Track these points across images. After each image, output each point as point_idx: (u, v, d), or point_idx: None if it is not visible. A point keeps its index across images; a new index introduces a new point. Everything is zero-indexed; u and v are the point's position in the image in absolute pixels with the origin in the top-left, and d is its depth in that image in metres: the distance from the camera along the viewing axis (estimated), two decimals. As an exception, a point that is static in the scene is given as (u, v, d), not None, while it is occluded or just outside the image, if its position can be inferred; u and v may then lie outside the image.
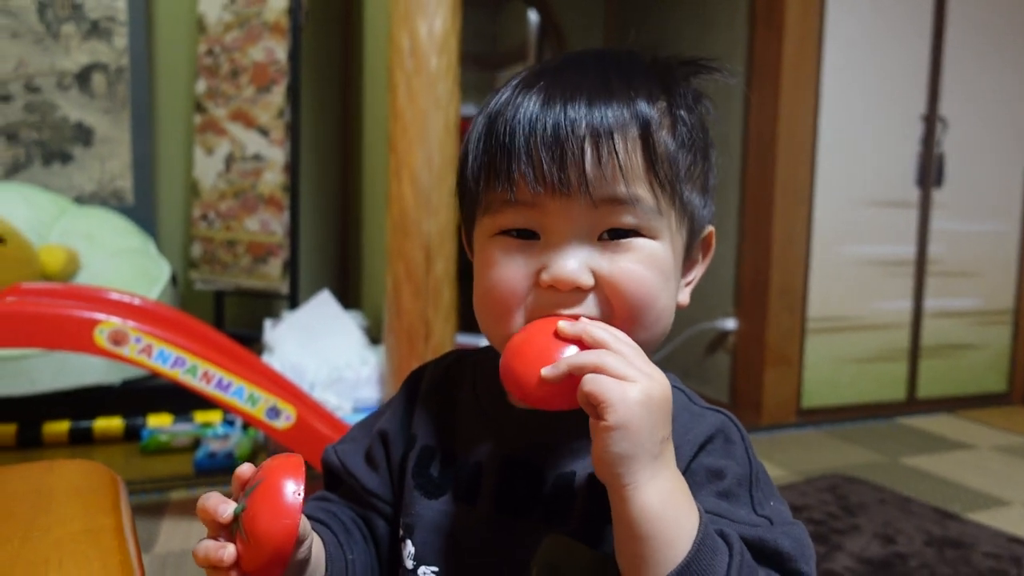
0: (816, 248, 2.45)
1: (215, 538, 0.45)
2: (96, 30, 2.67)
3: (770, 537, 0.47)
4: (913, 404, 2.63)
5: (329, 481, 0.62)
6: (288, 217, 2.50)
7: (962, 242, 2.66)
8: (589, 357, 0.44)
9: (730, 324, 2.53)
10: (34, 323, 1.19)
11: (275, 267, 2.53)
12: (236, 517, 0.44)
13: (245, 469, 0.46)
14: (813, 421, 2.47)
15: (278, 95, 2.48)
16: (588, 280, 0.49)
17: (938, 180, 2.60)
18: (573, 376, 0.44)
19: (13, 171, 2.62)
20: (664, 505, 0.42)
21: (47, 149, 2.66)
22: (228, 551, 0.43)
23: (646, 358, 0.46)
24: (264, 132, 2.51)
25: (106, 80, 2.70)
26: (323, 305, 2.28)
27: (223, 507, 0.45)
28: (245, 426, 1.97)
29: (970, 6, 2.55)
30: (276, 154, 2.50)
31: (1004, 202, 2.71)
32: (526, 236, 0.51)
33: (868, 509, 1.70)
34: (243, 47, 2.53)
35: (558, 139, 0.48)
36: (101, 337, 1.21)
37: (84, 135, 2.69)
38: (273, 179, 2.51)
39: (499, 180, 0.50)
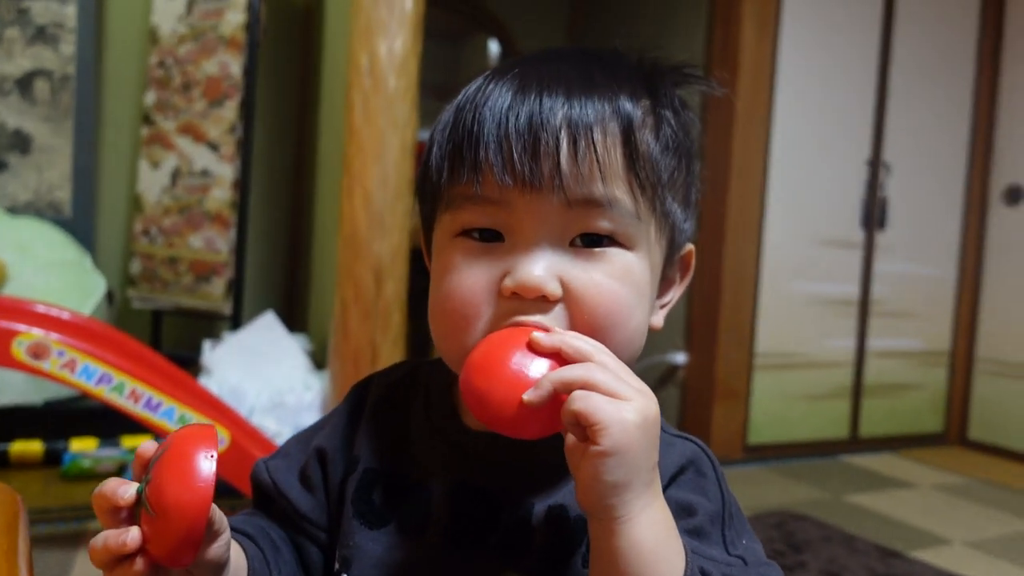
0: (765, 284, 2.49)
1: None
2: (42, 35, 2.58)
3: None
4: (856, 442, 2.67)
5: (258, 500, 0.56)
6: (235, 235, 2.43)
7: (904, 284, 2.74)
8: (576, 372, 0.39)
9: (680, 358, 2.54)
10: (-56, 331, 1.11)
11: (218, 287, 2.44)
12: (139, 496, 0.38)
13: (148, 446, 0.40)
14: (759, 457, 2.48)
15: (231, 110, 2.43)
16: (556, 289, 0.44)
17: (881, 223, 2.68)
18: (555, 398, 0.39)
19: (-59, 176, 2.48)
20: (656, 540, 0.38)
21: (-20, 155, 2.53)
22: (132, 534, 0.37)
23: (632, 373, 0.41)
24: (214, 147, 2.45)
25: (49, 87, 2.60)
26: (267, 327, 2.20)
27: (123, 488, 0.39)
28: (177, 451, 1.87)
29: (913, 56, 2.66)
30: (225, 170, 2.43)
31: (943, 247, 2.81)
32: (489, 239, 0.46)
33: (814, 546, 1.69)
34: (197, 60, 2.47)
35: (531, 128, 0.43)
36: (19, 350, 1.13)
37: (21, 143, 2.58)
38: (221, 196, 2.44)
39: (464, 171, 0.45)
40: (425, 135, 2.45)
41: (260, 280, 2.81)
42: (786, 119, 2.47)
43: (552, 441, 0.48)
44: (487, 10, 3.93)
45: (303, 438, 0.57)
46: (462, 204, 0.46)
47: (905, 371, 2.77)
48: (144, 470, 0.39)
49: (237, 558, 0.46)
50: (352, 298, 1.87)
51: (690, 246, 0.54)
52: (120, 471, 1.80)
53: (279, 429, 1.90)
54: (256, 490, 0.56)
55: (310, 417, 1.96)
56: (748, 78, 2.41)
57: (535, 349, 0.41)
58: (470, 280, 0.45)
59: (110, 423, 1.94)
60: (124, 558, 0.38)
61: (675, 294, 0.55)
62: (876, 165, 2.65)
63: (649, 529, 0.38)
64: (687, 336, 2.54)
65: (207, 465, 0.36)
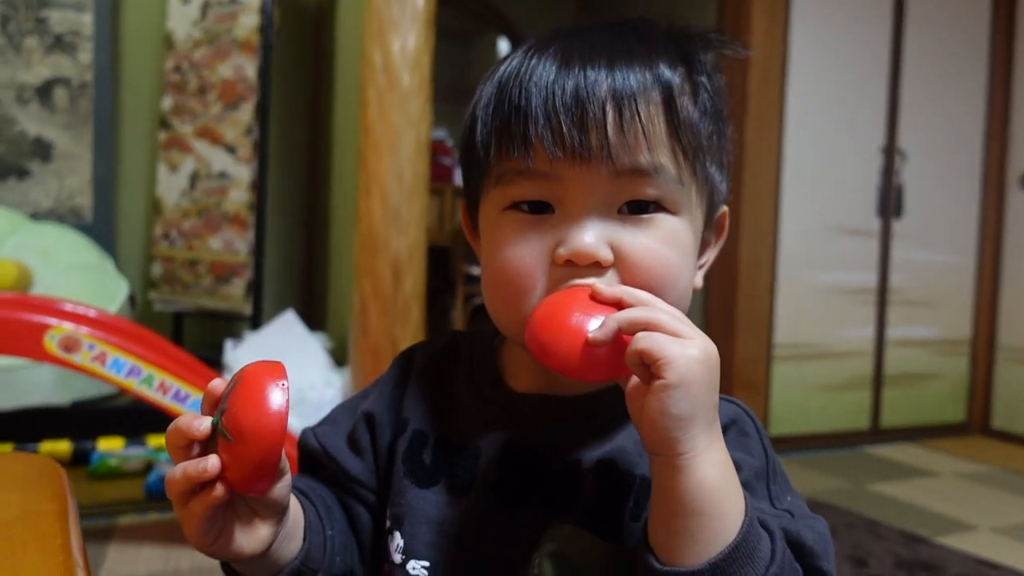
0: (782, 274, 2.48)
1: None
2: (60, 44, 2.62)
3: (793, 528, 0.44)
4: (877, 433, 2.65)
5: (306, 466, 0.56)
6: (253, 236, 2.45)
7: (921, 272, 2.72)
8: (640, 313, 0.40)
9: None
10: (-21, 326, 1.13)
11: (238, 287, 2.47)
12: (214, 428, 0.39)
13: (217, 383, 0.41)
14: (780, 449, 2.47)
15: (246, 112, 2.45)
16: (607, 255, 0.45)
17: (898, 211, 2.66)
18: (618, 341, 0.40)
19: (-35, 184, 2.53)
20: (720, 478, 0.39)
21: (3, 163, 2.58)
22: (211, 460, 0.39)
23: (690, 321, 0.42)
24: (231, 149, 2.48)
25: (68, 95, 2.64)
26: (287, 326, 2.22)
27: (198, 422, 0.40)
28: (201, 449, 1.89)
29: (926, 42, 2.65)
30: (243, 172, 2.46)
31: (961, 234, 2.78)
32: (539, 210, 0.47)
33: (837, 533, 1.69)
34: (212, 64, 2.50)
35: (578, 101, 0.44)
36: (51, 343, 1.15)
37: (43, 150, 2.62)
38: (239, 197, 2.46)
39: (514, 146, 0.46)
40: (439, 133, 2.47)
41: (279, 280, 2.84)
42: (799, 108, 2.47)
43: (596, 402, 0.49)
44: (495, 7, 3.96)
45: (349, 405, 0.58)
46: (513, 179, 0.47)
47: (925, 360, 2.75)
48: (214, 406, 0.41)
49: (295, 508, 0.47)
50: (371, 294, 1.88)
51: (724, 208, 0.55)
52: (147, 469, 1.82)
53: (301, 425, 1.92)
54: (304, 456, 0.56)
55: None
56: (759, 67, 2.41)
57: (597, 299, 0.42)
58: (523, 251, 0.46)
59: (136, 423, 1.98)
60: (202, 487, 0.39)
61: (711, 255, 0.55)
62: (891, 152, 2.63)
63: (712, 468, 0.39)
64: (704, 327, 2.53)
65: (280, 394, 0.38)
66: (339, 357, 2.28)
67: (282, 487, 0.43)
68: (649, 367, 0.39)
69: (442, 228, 3.42)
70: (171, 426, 0.41)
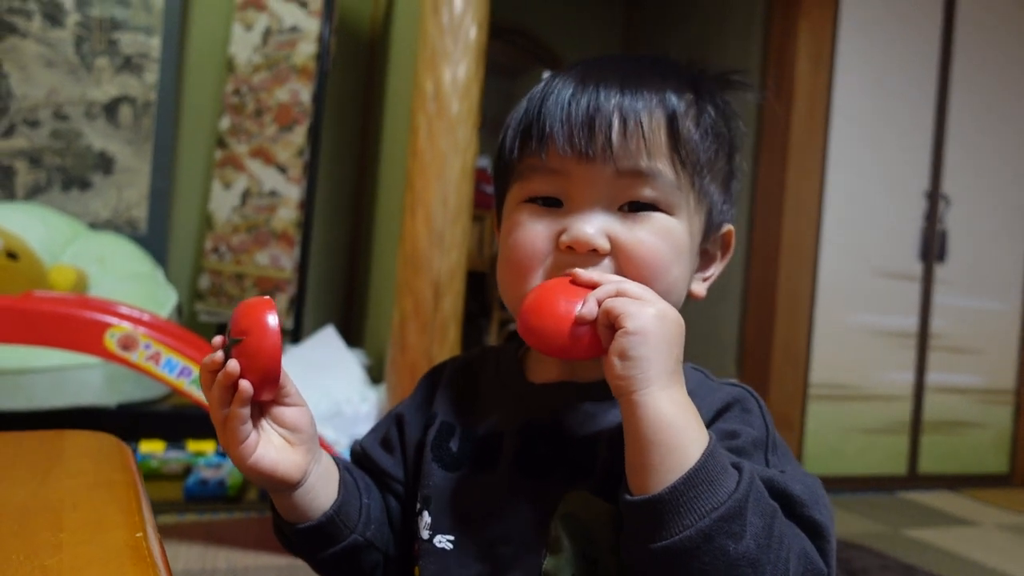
0: (820, 313, 2.47)
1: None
2: (128, 65, 2.76)
3: (780, 479, 0.46)
4: (914, 479, 2.59)
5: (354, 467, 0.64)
6: (299, 253, 2.53)
7: (964, 318, 2.67)
8: (611, 285, 0.47)
9: (732, 386, 2.52)
10: (48, 321, 1.19)
11: (281, 302, 2.54)
12: (227, 353, 0.49)
13: (218, 339, 0.50)
14: (814, 489, 2.42)
15: (299, 135, 2.55)
16: (604, 244, 0.51)
17: (941, 255, 2.64)
18: (598, 321, 0.46)
19: (34, 193, 2.66)
20: (674, 414, 0.43)
21: (68, 175, 2.71)
22: (232, 363, 0.48)
23: (660, 298, 0.47)
24: (282, 169, 2.57)
25: (133, 112, 2.77)
26: (326, 340, 2.27)
27: (214, 353, 0.49)
28: (239, 456, 1.94)
29: (973, 87, 2.64)
30: (292, 191, 2.55)
31: (1006, 280, 2.74)
32: (551, 204, 0.53)
33: (871, 574, 1.65)
34: (270, 88, 2.61)
35: (588, 111, 0.51)
36: (111, 341, 1.21)
37: (105, 163, 2.75)
38: (287, 215, 2.55)
39: (531, 145, 0.53)
40: (482, 162, 2.52)
41: (321, 296, 2.91)
42: (841, 149, 2.47)
43: (607, 385, 0.53)
44: (542, 42, 4.05)
45: (390, 413, 0.65)
46: (530, 175, 0.54)
47: (966, 408, 2.69)
48: (223, 341, 0.50)
49: (329, 461, 0.55)
50: (411, 312, 1.93)
51: (729, 226, 0.60)
52: (186, 472, 1.87)
53: (336, 437, 1.96)
54: (353, 460, 0.64)
55: (366, 427, 2.01)
56: (803, 109, 2.42)
57: (578, 283, 0.49)
58: (532, 235, 0.53)
59: (176, 428, 2.04)
60: (232, 393, 0.49)
61: (716, 269, 0.60)
62: (935, 197, 2.62)
63: (670, 405, 0.43)
64: (739, 364, 2.53)
65: (272, 317, 0.49)
66: (376, 374, 2.33)
67: (296, 411, 0.51)
68: (614, 321, 0.44)
69: (481, 254, 3.47)
70: (199, 370, 0.51)
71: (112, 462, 0.56)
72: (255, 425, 0.50)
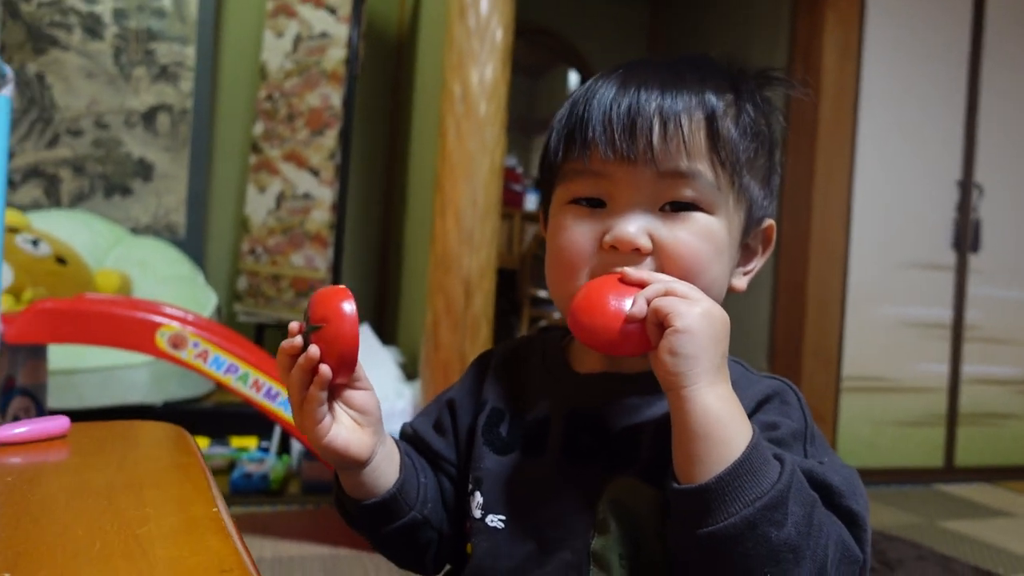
0: (851, 307, 2.46)
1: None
2: (165, 74, 2.84)
3: (819, 470, 0.49)
4: (951, 471, 2.57)
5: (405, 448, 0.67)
6: (332, 254, 2.59)
7: (1000, 309, 2.64)
8: (660, 284, 0.49)
9: (763, 379, 2.52)
10: (102, 321, 1.26)
11: (316, 302, 2.60)
12: (306, 339, 0.52)
13: (295, 325, 0.53)
14: (847, 482, 2.42)
15: (330, 138, 2.61)
16: (646, 243, 0.53)
17: (974, 246, 2.61)
18: (647, 319, 0.48)
19: (78, 200, 2.75)
20: (721, 409, 0.45)
21: (110, 182, 2.80)
22: (312, 348, 0.50)
23: (706, 296, 0.49)
24: (315, 172, 2.63)
25: (170, 120, 2.85)
26: (361, 339, 2.32)
27: (293, 338, 0.52)
28: (279, 453, 2.01)
29: (1005, 73, 2.61)
30: (325, 193, 2.61)
31: (1042, 270, 2.70)
32: (594, 205, 0.55)
33: (907, 566, 1.66)
34: (301, 93, 2.67)
35: (630, 114, 0.53)
36: (162, 339, 1.27)
37: (145, 170, 2.84)
38: (320, 217, 2.61)
39: (575, 149, 0.55)
40: (510, 161, 2.57)
41: (354, 295, 2.97)
42: (871, 141, 2.46)
43: (651, 376, 0.55)
44: (567, 41, 4.07)
45: (438, 398, 0.68)
46: (573, 178, 0.56)
47: (1004, 399, 2.66)
48: (301, 327, 0.53)
49: (392, 444, 0.58)
50: (443, 311, 1.97)
51: (770, 221, 0.62)
52: (230, 467, 1.94)
53: (373, 433, 2.01)
54: (403, 441, 0.66)
55: (400, 423, 2.06)
56: (830, 100, 2.42)
57: (626, 281, 0.50)
58: (577, 235, 0.55)
59: (220, 425, 2.11)
60: (311, 376, 0.51)
61: (758, 263, 0.62)
62: (967, 186, 2.59)
63: (717, 400, 0.45)
64: (770, 357, 2.53)
65: (350, 305, 0.51)
66: (410, 371, 2.37)
67: (365, 394, 0.54)
68: (663, 320, 0.46)
69: (511, 252, 3.50)
70: (278, 354, 0.53)
71: (180, 448, 0.61)
72: (329, 407, 0.53)
